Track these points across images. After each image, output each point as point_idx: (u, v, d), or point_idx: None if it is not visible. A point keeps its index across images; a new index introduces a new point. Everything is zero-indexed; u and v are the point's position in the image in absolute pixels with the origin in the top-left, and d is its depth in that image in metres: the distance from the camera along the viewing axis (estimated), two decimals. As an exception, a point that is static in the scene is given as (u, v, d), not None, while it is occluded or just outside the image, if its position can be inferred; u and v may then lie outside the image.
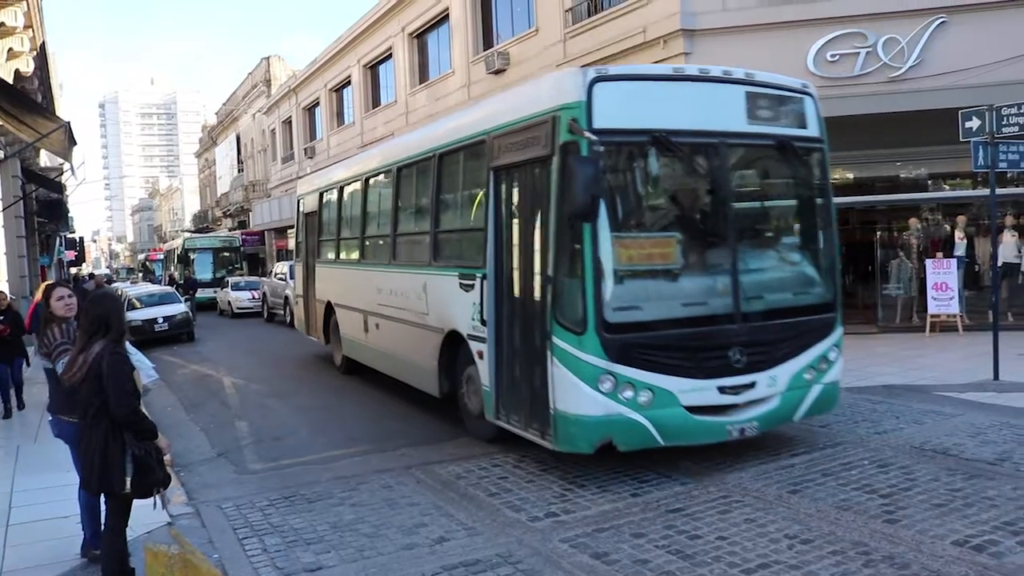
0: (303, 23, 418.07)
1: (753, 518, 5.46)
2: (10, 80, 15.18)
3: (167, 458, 4.68)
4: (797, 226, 7.63)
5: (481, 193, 7.57)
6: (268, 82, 43.27)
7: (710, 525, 5.33)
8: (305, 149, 36.94)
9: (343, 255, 12.29)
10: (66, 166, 18.09)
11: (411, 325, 9.20)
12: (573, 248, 6.13)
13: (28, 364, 10.93)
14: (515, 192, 7.05)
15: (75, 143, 13.58)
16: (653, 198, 6.97)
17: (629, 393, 6.07)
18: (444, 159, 8.59)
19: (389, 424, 9.11)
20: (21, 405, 10.50)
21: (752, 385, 6.52)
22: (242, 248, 38.13)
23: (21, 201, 19.82)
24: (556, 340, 6.18)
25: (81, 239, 54.61)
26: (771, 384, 6.63)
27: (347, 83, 32.21)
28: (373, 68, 29.95)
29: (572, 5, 17.54)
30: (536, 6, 18.95)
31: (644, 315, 6.33)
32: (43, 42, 18.59)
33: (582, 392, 6.05)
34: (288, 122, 40.34)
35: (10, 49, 15.59)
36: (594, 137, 5.92)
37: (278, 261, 31.28)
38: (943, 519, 5.28)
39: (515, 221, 7.05)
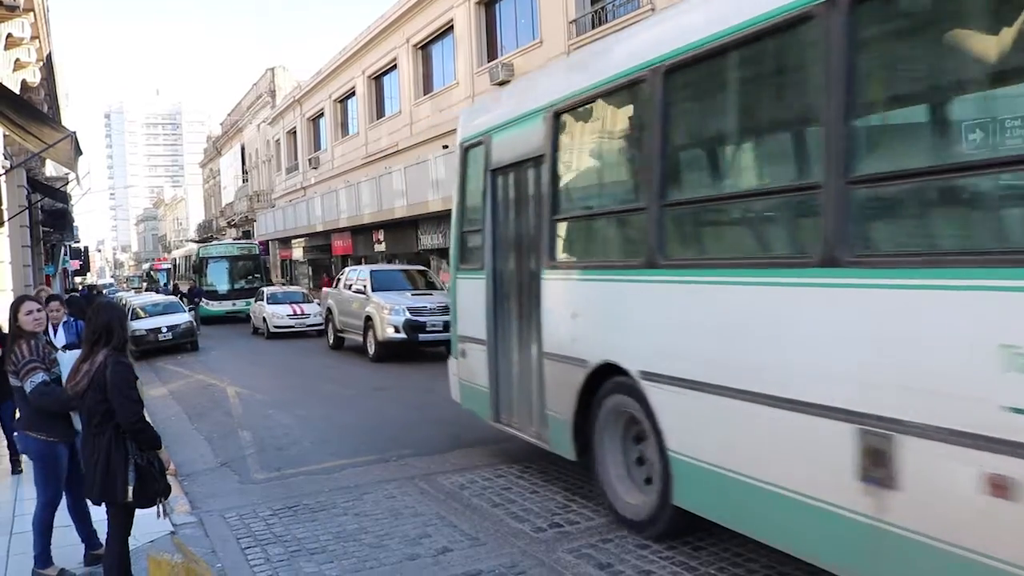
0: (312, 31, 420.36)
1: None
2: (17, 90, 15.26)
3: (171, 469, 4.69)
4: None
5: None
6: (272, 93, 43.50)
7: (715, 535, 5.30)
8: (309, 159, 37.12)
9: (713, 247, 5.10)
10: (71, 176, 18.18)
11: None
12: None
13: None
14: None
15: (81, 153, 13.59)
16: None
17: None
18: None
19: (392, 434, 9.09)
20: (17, 467, 7.58)
21: None
22: (261, 256, 34.70)
23: (27, 211, 19.90)
24: None
25: (86, 248, 54.92)
26: None
27: (351, 94, 32.38)
28: (377, 79, 30.12)
29: (576, 17, 17.64)
30: (540, 18, 19.06)
31: None
32: (49, 52, 18.72)
33: None
34: (293, 132, 40.53)
35: (17, 60, 15.70)
36: None
37: (344, 266, 23.83)
38: None
39: None
